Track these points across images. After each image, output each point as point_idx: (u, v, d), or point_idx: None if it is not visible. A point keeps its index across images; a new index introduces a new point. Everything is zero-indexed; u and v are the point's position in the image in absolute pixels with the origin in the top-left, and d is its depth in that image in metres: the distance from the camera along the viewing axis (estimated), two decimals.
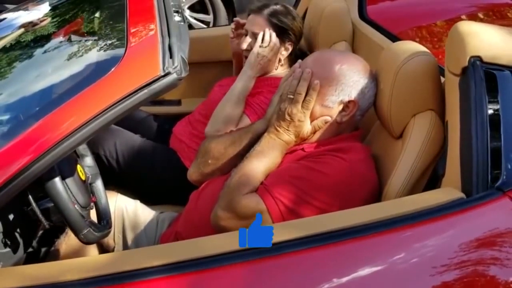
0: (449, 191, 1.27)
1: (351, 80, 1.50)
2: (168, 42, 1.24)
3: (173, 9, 1.43)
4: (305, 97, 1.48)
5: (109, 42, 1.43)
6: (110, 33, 1.49)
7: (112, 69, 1.21)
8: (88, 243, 1.43)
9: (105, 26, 1.56)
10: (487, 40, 1.35)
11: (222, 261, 1.11)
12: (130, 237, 1.75)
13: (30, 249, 1.52)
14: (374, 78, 1.55)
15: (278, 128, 1.50)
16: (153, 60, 1.20)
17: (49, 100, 1.30)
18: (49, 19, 1.85)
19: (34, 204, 1.34)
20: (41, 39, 1.69)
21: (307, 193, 1.39)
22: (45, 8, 1.97)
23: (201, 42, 2.53)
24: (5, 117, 1.34)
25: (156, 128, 2.37)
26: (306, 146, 1.51)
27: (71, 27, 1.72)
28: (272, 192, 1.39)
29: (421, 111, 1.46)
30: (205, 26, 4.35)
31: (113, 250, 1.74)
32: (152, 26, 1.33)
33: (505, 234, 1.19)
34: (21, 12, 2.01)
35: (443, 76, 1.47)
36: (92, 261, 1.26)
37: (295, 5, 2.60)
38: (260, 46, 2.01)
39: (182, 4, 4.17)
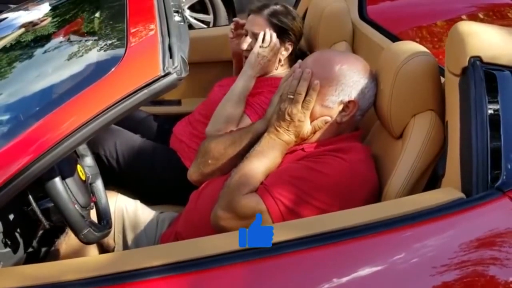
0: (449, 191, 1.27)
1: (351, 80, 1.50)
2: (168, 42, 1.24)
3: (173, 9, 1.43)
4: (305, 97, 1.48)
5: (109, 42, 1.44)
6: (110, 33, 1.49)
7: (112, 69, 1.21)
8: (88, 243, 1.43)
9: (105, 26, 1.56)
10: (487, 40, 1.35)
11: (222, 261, 1.11)
12: (130, 237, 1.75)
13: (30, 249, 1.52)
14: (374, 78, 1.55)
15: (278, 128, 1.50)
16: (153, 60, 1.20)
17: (49, 100, 1.30)
18: (49, 19, 1.85)
19: (34, 204, 1.34)
20: (41, 39, 1.69)
21: (307, 193, 1.39)
22: (45, 8, 1.97)
23: (201, 42, 2.53)
24: (5, 117, 1.34)
25: (156, 128, 2.37)
26: (306, 146, 1.51)
27: (71, 27, 1.72)
28: (272, 192, 1.39)
29: (421, 111, 1.46)
30: (205, 26, 4.35)
31: (113, 250, 1.74)
32: (152, 26, 1.33)
33: (505, 234, 1.19)
34: (21, 12, 2.01)
35: (443, 76, 1.47)
36: (92, 261, 1.26)
37: (295, 5, 2.60)
38: (260, 46, 2.01)
39: (182, 4, 4.17)
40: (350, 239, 1.15)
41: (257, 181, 1.44)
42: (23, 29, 1.80)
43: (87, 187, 1.54)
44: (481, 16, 2.84)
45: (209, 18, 4.40)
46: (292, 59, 2.10)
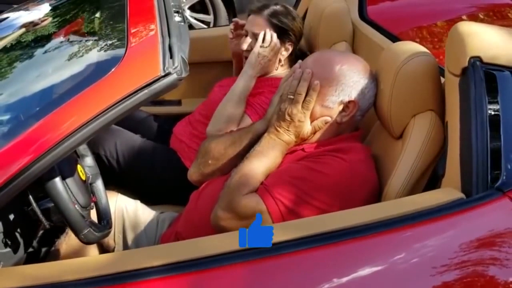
0: (449, 191, 1.27)
1: (351, 80, 1.50)
2: (168, 42, 1.24)
3: (174, 9, 1.43)
4: (305, 97, 1.48)
5: (110, 42, 1.44)
6: (111, 33, 1.49)
7: (113, 69, 1.21)
8: (88, 243, 1.43)
9: (105, 26, 1.56)
10: (487, 41, 1.35)
11: (222, 261, 1.11)
12: (130, 237, 1.75)
13: (31, 249, 1.52)
14: (374, 79, 1.55)
15: (278, 129, 1.50)
16: (153, 60, 1.20)
17: (50, 100, 1.30)
18: (49, 19, 1.85)
19: (34, 204, 1.34)
20: (42, 39, 1.70)
21: (307, 194, 1.39)
22: (45, 8, 1.97)
23: (202, 42, 2.53)
24: (6, 117, 1.34)
25: (156, 128, 2.37)
26: (306, 147, 1.51)
27: (71, 27, 1.72)
28: (272, 192, 1.39)
29: (421, 112, 1.46)
30: (205, 26, 4.35)
31: (113, 250, 1.74)
32: (152, 26, 1.33)
33: (505, 234, 1.19)
34: (21, 12, 2.01)
35: (443, 76, 1.47)
36: (92, 261, 1.26)
37: (295, 6, 2.60)
38: (261, 46, 2.01)
39: (183, 4, 4.17)
40: (350, 239, 1.15)
41: (257, 181, 1.44)
42: (23, 29, 1.80)
43: (87, 187, 1.54)
44: (481, 16, 2.85)
45: (210, 18, 4.40)
46: (292, 60, 2.10)
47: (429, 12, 2.83)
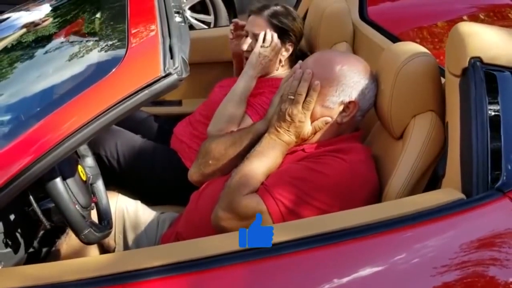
0: (449, 191, 1.27)
1: (351, 80, 1.50)
2: (169, 43, 1.24)
3: (174, 9, 1.43)
4: (305, 97, 1.48)
5: (110, 42, 1.44)
6: (111, 34, 1.49)
7: (113, 70, 1.21)
8: (89, 243, 1.43)
9: (106, 27, 1.56)
10: (488, 41, 1.35)
11: (223, 262, 1.11)
12: (130, 238, 1.76)
13: (31, 250, 1.52)
14: (375, 79, 1.55)
15: (279, 129, 1.50)
16: (154, 60, 1.20)
17: (50, 100, 1.31)
18: (50, 20, 1.85)
19: (35, 205, 1.34)
20: (43, 40, 1.70)
21: (307, 194, 1.39)
22: (46, 8, 1.97)
23: (202, 43, 2.53)
24: (6, 117, 1.34)
25: (156, 128, 2.37)
26: (307, 147, 1.52)
27: (72, 28, 1.72)
28: (272, 192, 1.39)
29: (421, 112, 1.46)
30: (206, 27, 4.35)
31: (113, 251, 1.75)
32: (153, 27, 1.33)
33: (505, 235, 1.19)
34: (22, 13, 2.01)
35: (444, 77, 1.47)
36: (92, 261, 1.26)
37: (296, 6, 2.61)
38: (261, 46, 2.01)
39: (183, 5, 4.18)
40: (351, 240, 1.15)
41: (257, 181, 1.44)
42: (24, 30, 1.80)
43: (87, 187, 1.54)
44: (481, 16, 2.85)
45: (210, 18, 4.40)
46: (293, 60, 2.11)
47: (430, 12, 2.83)
